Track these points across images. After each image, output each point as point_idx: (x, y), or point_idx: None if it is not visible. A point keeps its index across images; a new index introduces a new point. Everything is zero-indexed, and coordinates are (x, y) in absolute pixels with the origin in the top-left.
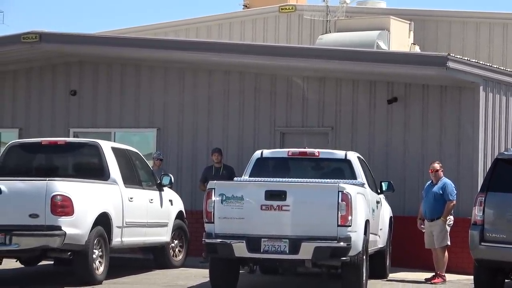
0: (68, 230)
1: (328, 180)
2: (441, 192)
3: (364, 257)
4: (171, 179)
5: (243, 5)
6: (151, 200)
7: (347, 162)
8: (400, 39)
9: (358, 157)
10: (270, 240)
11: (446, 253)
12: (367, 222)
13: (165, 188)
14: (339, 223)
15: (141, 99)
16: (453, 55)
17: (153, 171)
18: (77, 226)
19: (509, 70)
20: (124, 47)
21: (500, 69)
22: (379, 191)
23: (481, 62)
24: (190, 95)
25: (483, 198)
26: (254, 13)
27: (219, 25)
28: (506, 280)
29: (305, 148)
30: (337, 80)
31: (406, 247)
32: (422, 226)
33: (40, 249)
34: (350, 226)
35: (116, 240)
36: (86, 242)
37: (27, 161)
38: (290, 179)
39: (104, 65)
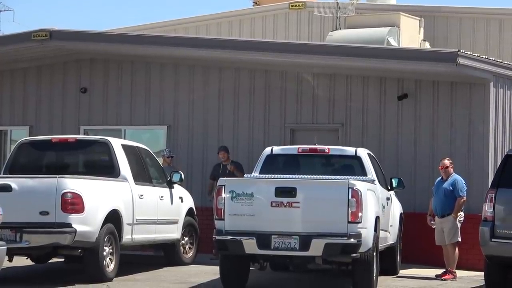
0: (78, 227)
1: (338, 176)
2: (451, 188)
3: (375, 253)
4: (181, 176)
5: (253, 2)
6: (161, 197)
7: (357, 158)
8: (410, 35)
9: (368, 154)
10: (280, 237)
11: (457, 250)
12: (377, 218)
13: (175, 185)
14: (350, 220)
15: (151, 97)
16: (463, 51)
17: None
18: (87, 224)
19: None
20: (134, 44)
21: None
22: (389, 187)
23: (491, 58)
24: (200, 92)
25: (494, 194)
26: (264, 10)
27: (229, 22)
28: None
29: (315, 144)
30: (347, 76)
31: (416, 244)
32: (432, 222)
33: (50, 246)
34: (360, 222)
35: (126, 237)
36: (96, 239)
37: (37, 159)
38: (300, 176)
39: (115, 63)
